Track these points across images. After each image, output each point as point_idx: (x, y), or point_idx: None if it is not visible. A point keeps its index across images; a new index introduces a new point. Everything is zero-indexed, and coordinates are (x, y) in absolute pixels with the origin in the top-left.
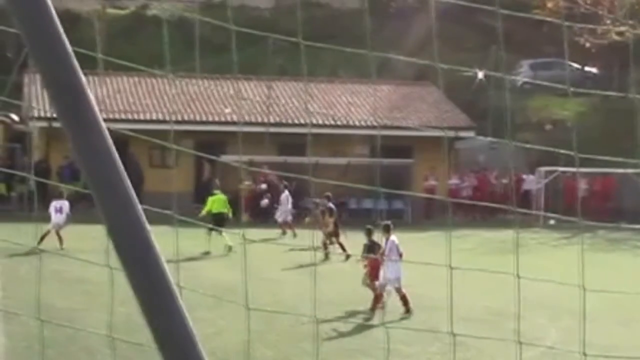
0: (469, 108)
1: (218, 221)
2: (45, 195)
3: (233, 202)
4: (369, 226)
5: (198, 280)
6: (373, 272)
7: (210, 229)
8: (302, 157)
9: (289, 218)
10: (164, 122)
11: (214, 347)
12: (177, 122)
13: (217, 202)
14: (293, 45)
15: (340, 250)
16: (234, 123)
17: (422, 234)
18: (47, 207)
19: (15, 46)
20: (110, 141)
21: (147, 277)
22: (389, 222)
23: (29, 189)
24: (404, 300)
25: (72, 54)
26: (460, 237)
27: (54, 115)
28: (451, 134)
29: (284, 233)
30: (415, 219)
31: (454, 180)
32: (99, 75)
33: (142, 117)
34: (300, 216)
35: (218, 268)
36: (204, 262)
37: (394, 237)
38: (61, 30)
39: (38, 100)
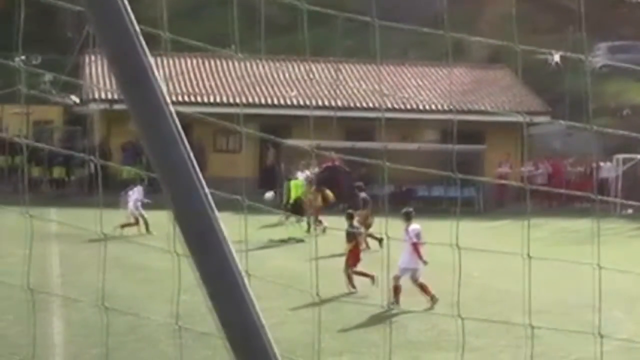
0: (544, 92)
1: (296, 207)
2: (105, 179)
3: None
4: (349, 210)
5: (263, 268)
6: (352, 259)
7: (287, 216)
8: (371, 142)
9: None
10: (228, 104)
11: (279, 337)
12: (242, 105)
13: (297, 187)
14: (362, 25)
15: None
16: (300, 106)
17: (493, 223)
18: (107, 191)
19: (76, 26)
20: (177, 125)
21: (214, 264)
22: (410, 209)
23: (89, 172)
24: (424, 288)
25: (140, 34)
26: (533, 226)
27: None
28: (525, 119)
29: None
30: (487, 207)
31: (527, 167)
32: (160, 56)
33: (204, 99)
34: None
35: (283, 256)
36: (269, 250)
37: (416, 225)
38: (128, 9)
39: (98, 81)
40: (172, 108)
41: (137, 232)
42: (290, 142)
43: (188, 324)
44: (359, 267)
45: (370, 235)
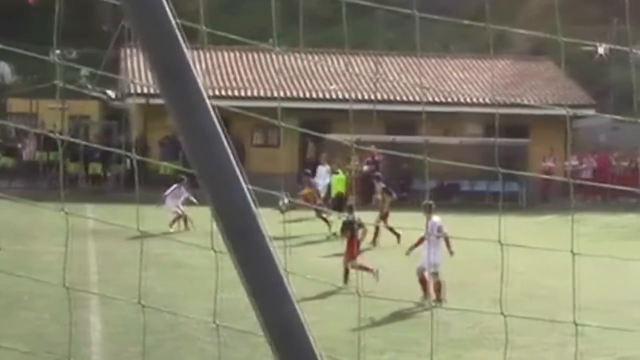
0: (589, 84)
1: (338, 202)
2: (143, 175)
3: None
4: (350, 203)
5: (302, 264)
6: (349, 252)
7: (328, 213)
8: (412, 136)
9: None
10: (267, 98)
11: (319, 335)
12: (281, 99)
13: (339, 182)
14: (403, 17)
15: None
16: (340, 100)
17: (537, 218)
18: (145, 187)
19: (112, 19)
20: (216, 120)
21: (255, 262)
22: (430, 202)
23: (126, 168)
24: (437, 287)
25: (177, 29)
26: (578, 221)
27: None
28: (570, 112)
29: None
30: (531, 202)
31: (572, 162)
32: (198, 50)
33: (243, 93)
34: (409, 200)
35: (323, 252)
36: (309, 246)
37: (436, 218)
38: (167, 2)
39: (135, 75)
40: (211, 103)
41: (177, 229)
42: (330, 136)
43: (227, 321)
44: (360, 261)
45: (391, 230)
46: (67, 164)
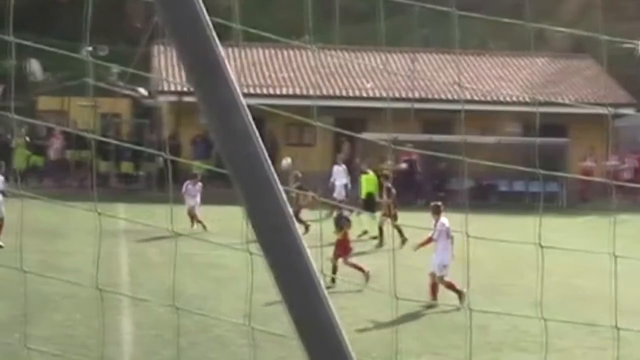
0: (630, 83)
1: (368, 203)
2: (175, 174)
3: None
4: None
5: (340, 267)
6: (340, 250)
7: (358, 212)
8: (449, 136)
9: (343, 194)
10: (301, 97)
11: (354, 338)
12: (315, 97)
13: (369, 182)
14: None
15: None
16: (375, 98)
17: (577, 219)
18: (177, 187)
19: (144, 16)
20: (250, 119)
21: (289, 263)
22: (438, 203)
23: (158, 167)
24: (449, 287)
25: (211, 26)
26: (619, 222)
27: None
28: (611, 111)
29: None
30: (570, 203)
31: (612, 162)
32: (231, 47)
33: (277, 91)
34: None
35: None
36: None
37: (444, 219)
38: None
39: (168, 73)
40: (244, 101)
41: (194, 229)
42: (366, 135)
43: (260, 323)
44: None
45: (399, 230)
46: (98, 163)
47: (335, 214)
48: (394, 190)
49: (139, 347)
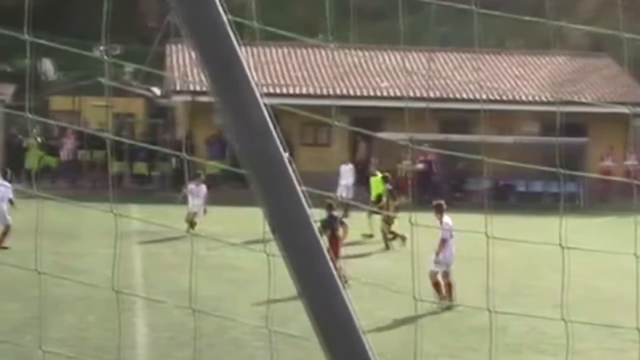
0: None
1: (378, 204)
2: (190, 175)
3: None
4: (329, 200)
5: (355, 268)
6: (332, 251)
7: (371, 212)
8: (466, 135)
9: (350, 195)
10: (316, 96)
11: (372, 340)
12: (331, 96)
13: (378, 183)
14: (456, 12)
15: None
16: (392, 98)
17: (597, 220)
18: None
19: (157, 14)
20: (269, 119)
21: (309, 264)
22: (441, 202)
23: (172, 167)
24: (448, 288)
25: (228, 24)
26: None
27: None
28: (631, 110)
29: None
30: (589, 203)
31: (631, 161)
32: (246, 46)
33: (292, 91)
34: (464, 199)
35: (376, 256)
36: (361, 248)
37: (447, 218)
38: None
39: (181, 72)
40: (264, 100)
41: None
42: (383, 135)
43: (276, 325)
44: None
45: (394, 235)
46: (112, 163)
47: (341, 214)
48: (395, 193)
49: (152, 349)
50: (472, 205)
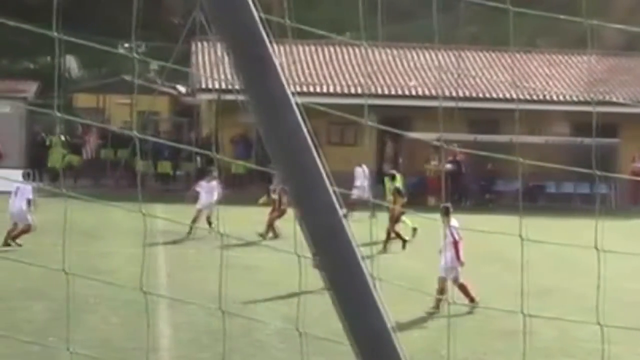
0: None
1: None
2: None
3: (419, 184)
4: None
5: (381, 268)
6: None
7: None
8: (496, 135)
9: (366, 195)
10: (343, 95)
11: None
12: (361, 95)
13: (395, 182)
14: (486, 10)
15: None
16: (421, 97)
17: (628, 222)
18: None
19: (182, 11)
20: (300, 118)
21: (341, 265)
22: (448, 204)
23: (197, 167)
24: (464, 290)
25: (259, 22)
26: None
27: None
28: None
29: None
30: (620, 205)
31: None
32: (273, 44)
33: (319, 89)
34: (493, 200)
35: (402, 256)
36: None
37: (454, 221)
38: None
39: (207, 70)
40: (296, 99)
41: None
42: (413, 134)
43: (303, 327)
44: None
45: (397, 235)
46: (136, 162)
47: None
48: (403, 192)
49: (176, 351)
50: (501, 207)
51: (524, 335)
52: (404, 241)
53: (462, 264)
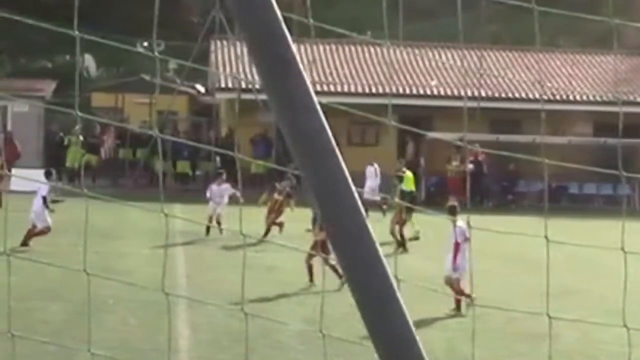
0: None
1: (409, 202)
2: (233, 174)
3: (440, 184)
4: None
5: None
6: (321, 250)
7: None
8: (518, 135)
9: (376, 196)
10: (363, 94)
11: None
12: (380, 94)
13: (408, 181)
14: (507, 9)
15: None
16: (441, 97)
17: None
18: (234, 187)
19: (201, 10)
20: (323, 118)
21: (365, 267)
22: (455, 204)
23: (216, 166)
24: (460, 294)
25: (282, 21)
26: None
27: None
28: None
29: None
30: None
31: None
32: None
33: (339, 89)
34: (514, 201)
35: (415, 256)
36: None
37: (461, 222)
38: None
39: (226, 69)
40: (319, 100)
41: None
42: (434, 134)
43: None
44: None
45: (401, 238)
46: (154, 161)
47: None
48: (413, 194)
49: (194, 352)
50: (523, 208)
51: (550, 338)
52: (403, 246)
53: (455, 268)
